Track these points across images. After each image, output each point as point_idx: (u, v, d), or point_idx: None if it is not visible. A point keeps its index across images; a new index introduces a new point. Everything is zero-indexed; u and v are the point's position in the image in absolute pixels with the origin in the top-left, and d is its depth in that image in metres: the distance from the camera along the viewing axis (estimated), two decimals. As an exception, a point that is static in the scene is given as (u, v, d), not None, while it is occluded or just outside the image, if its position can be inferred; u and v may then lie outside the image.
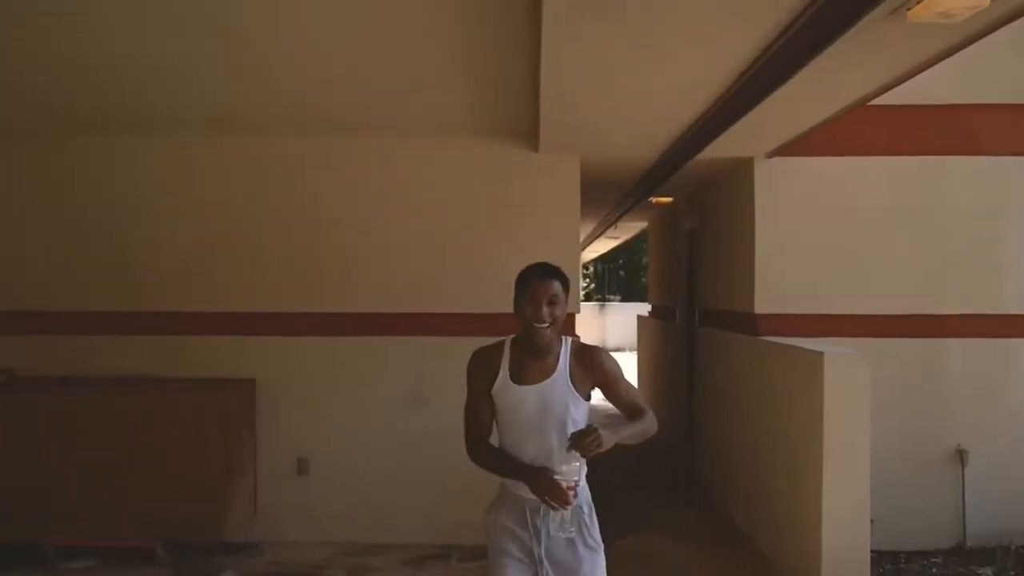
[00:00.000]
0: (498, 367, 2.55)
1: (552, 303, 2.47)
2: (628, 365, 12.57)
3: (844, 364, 3.87)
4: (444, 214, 5.14)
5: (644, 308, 11.50)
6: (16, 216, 5.17)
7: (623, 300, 22.87)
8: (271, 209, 5.14)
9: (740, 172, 5.31)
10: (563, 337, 2.58)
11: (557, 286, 2.49)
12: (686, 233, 7.26)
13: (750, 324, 5.08)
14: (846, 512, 3.86)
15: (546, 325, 2.46)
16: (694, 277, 6.98)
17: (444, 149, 5.11)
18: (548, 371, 2.52)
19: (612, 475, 6.90)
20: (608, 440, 2.34)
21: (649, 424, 2.58)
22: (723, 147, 4.61)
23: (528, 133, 4.80)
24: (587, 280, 24.46)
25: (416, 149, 5.10)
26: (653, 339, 9.66)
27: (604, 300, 22.78)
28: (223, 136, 5.05)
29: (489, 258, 5.07)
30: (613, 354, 2.74)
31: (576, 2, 2.54)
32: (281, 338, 5.13)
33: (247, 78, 3.97)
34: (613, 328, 18.45)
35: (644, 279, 16.63)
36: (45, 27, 3.18)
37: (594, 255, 18.47)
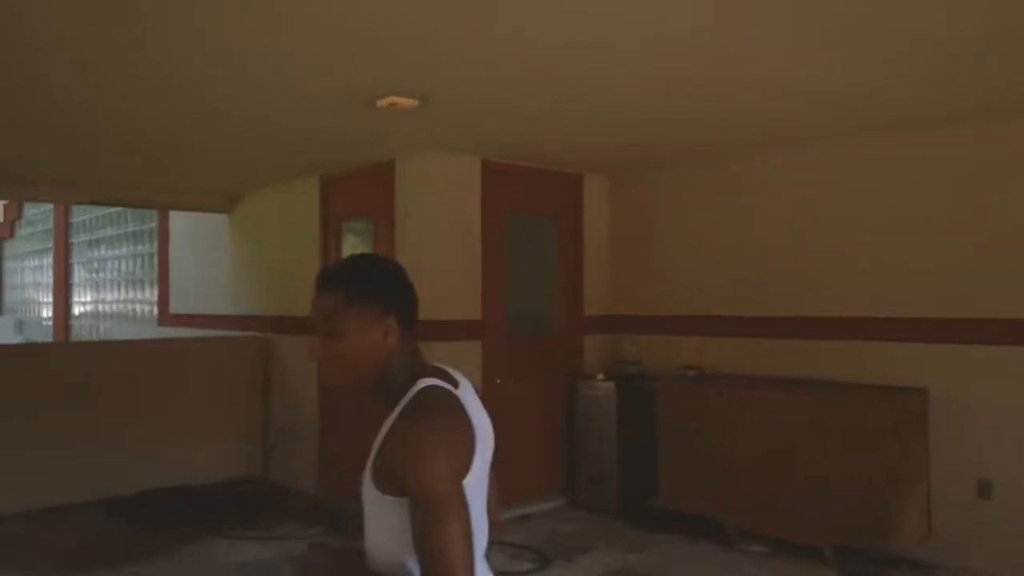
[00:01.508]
0: None
1: (322, 327, 1.61)
2: None
3: None
4: None
5: None
6: (696, 232, 5.98)
7: None
8: (941, 208, 4.80)
9: None
10: (421, 379, 1.60)
11: (326, 299, 1.61)
12: None
13: None
14: None
15: (321, 360, 1.64)
16: None
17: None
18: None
19: None
20: None
21: None
22: None
23: None
24: None
25: None
26: None
27: None
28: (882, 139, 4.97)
29: None
30: None
31: None
32: (959, 346, 4.71)
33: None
34: None
35: None
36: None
37: None
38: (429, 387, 1.58)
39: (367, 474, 1.54)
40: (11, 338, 12.80)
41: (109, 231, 10.78)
